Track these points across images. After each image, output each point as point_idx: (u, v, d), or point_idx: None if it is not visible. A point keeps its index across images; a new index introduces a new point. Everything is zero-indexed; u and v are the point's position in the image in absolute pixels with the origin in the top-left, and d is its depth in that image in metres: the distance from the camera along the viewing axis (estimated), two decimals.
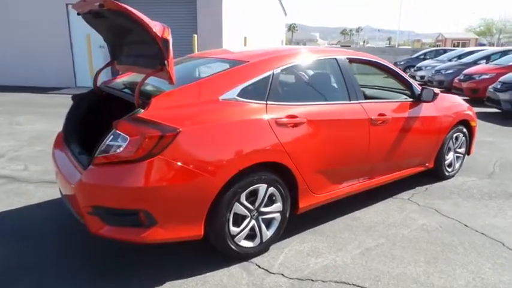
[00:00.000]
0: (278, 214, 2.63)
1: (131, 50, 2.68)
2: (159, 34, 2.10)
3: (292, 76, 2.78)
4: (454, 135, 4.01)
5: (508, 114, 7.74)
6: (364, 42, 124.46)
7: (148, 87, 2.66)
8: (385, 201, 3.54)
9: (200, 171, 2.18)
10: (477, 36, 47.68)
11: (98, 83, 3.10)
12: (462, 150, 4.24)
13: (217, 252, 2.50)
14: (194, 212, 2.24)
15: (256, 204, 2.50)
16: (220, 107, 2.34)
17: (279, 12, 26.45)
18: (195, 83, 2.39)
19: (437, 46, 35.93)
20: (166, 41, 2.12)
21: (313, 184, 2.76)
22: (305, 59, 2.86)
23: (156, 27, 2.12)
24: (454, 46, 33.75)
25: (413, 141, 3.49)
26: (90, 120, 3.07)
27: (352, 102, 3.02)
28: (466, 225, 3.09)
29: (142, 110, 2.18)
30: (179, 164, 2.12)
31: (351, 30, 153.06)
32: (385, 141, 3.25)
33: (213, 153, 2.23)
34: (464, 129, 4.14)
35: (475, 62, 11.52)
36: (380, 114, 3.13)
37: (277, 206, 2.61)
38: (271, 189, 2.53)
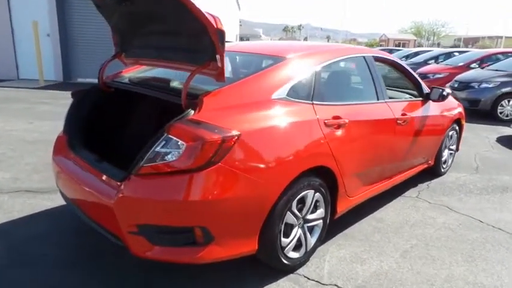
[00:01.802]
0: (321, 221, 2.49)
1: (158, 42, 2.32)
2: (214, 24, 1.83)
3: (329, 74, 2.63)
4: (450, 133, 4.17)
5: (467, 111, 8.32)
6: (305, 39, 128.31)
7: (175, 84, 2.35)
8: (397, 200, 3.56)
9: (259, 179, 1.95)
10: (415, 38, 51.73)
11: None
12: (454, 147, 4.43)
13: (257, 264, 2.28)
14: (251, 225, 2.01)
15: (304, 211, 2.33)
16: (274, 108, 2.12)
17: (234, 7, 26.11)
18: (245, 81, 2.13)
19: (381, 46, 38.35)
20: (221, 33, 1.85)
21: (349, 187, 2.65)
22: (339, 56, 2.72)
23: (209, 16, 1.84)
24: (396, 46, 36.28)
25: (423, 140, 3.55)
26: (96, 120, 2.66)
27: (380, 101, 2.96)
28: (481, 221, 3.20)
29: (193, 112, 1.89)
30: (239, 172, 1.88)
31: (292, 27, 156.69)
32: (405, 141, 3.25)
33: (271, 158, 2.01)
34: (457, 127, 4.32)
35: (425, 62, 12.31)
36: (402, 114, 3.12)
37: (320, 212, 2.46)
38: (317, 195, 2.37)
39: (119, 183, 1.91)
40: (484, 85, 7.80)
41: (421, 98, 3.61)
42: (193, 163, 1.78)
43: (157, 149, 1.82)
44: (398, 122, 3.04)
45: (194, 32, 1.94)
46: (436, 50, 14.15)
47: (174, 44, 2.18)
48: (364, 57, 2.94)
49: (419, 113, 3.42)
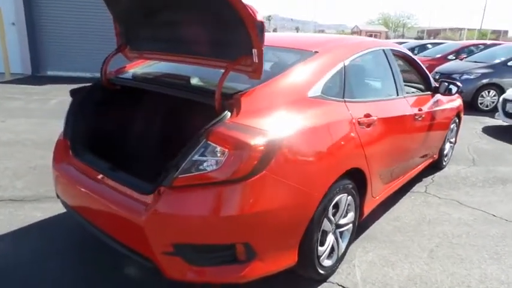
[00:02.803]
0: (351, 225, 2.35)
1: (177, 33, 2.05)
2: (254, 15, 1.61)
3: (356, 69, 2.48)
4: (451, 126, 4.16)
5: None
6: (274, 30, 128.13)
7: (196, 81, 2.12)
8: (406, 196, 3.50)
9: (302, 186, 1.78)
10: (387, 29, 53.00)
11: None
12: (453, 140, 4.44)
13: (289, 275, 2.13)
14: (293, 236, 1.84)
15: (337, 217, 2.19)
16: (312, 107, 1.94)
17: None
18: (279, 78, 1.93)
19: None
20: (261, 25, 1.63)
21: (375, 187, 2.53)
22: (363, 50, 2.56)
23: (248, 6, 1.63)
24: (369, 36, 36.93)
25: (433, 134, 3.50)
26: (99, 121, 2.37)
27: (399, 97, 2.85)
28: (494, 215, 3.19)
29: (230, 114, 1.68)
30: (283, 180, 1.70)
31: None
32: (419, 136, 3.18)
33: (313, 162, 1.84)
34: (457, 120, 4.32)
35: None
36: (419, 109, 3.04)
37: (351, 215, 2.32)
38: (349, 199, 2.23)
39: (146, 197, 1.68)
40: (465, 76, 7.97)
41: (429, 92, 3.54)
42: (237, 172, 1.57)
43: (195, 157, 1.60)
44: (416, 117, 2.96)
45: (227, 23, 1.71)
46: (412, 42, 14.42)
47: (198, 36, 1.93)
48: (383, 50, 2.81)
49: (430, 107, 3.35)
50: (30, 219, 2.76)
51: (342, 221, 2.25)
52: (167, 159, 2.54)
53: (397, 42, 15.13)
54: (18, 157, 3.96)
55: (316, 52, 2.21)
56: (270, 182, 1.65)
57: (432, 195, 3.57)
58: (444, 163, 4.26)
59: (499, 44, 10.46)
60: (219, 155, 1.58)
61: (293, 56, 2.19)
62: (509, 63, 7.96)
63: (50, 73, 9.44)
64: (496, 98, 7.88)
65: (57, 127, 5.12)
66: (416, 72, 3.51)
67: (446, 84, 3.51)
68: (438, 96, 3.59)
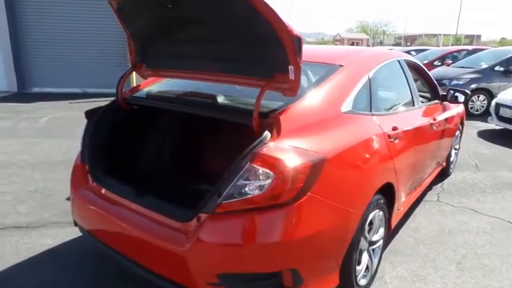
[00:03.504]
0: (381, 241, 2.30)
1: (201, 50, 1.97)
2: (291, 31, 1.56)
3: (378, 80, 2.45)
4: (456, 133, 4.19)
5: None
6: None
7: (222, 99, 2.04)
8: (421, 206, 3.48)
9: (345, 206, 1.72)
10: (368, 37, 54.31)
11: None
12: (457, 146, 4.47)
13: None
14: (336, 258, 1.77)
15: (371, 234, 2.13)
16: (347, 123, 1.89)
17: None
18: (311, 94, 1.87)
19: (335, 45, 39.77)
20: (299, 40, 1.58)
21: (400, 199, 2.49)
22: (383, 61, 2.53)
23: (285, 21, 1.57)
24: (351, 45, 37.69)
25: (443, 142, 3.51)
26: (116, 143, 2.26)
27: (416, 107, 2.84)
28: (510, 222, 3.20)
29: (270, 134, 1.60)
30: (327, 201, 1.63)
31: None
32: (434, 145, 3.18)
33: (354, 180, 1.79)
34: (460, 127, 4.36)
35: None
36: (433, 119, 3.04)
37: (382, 231, 2.27)
38: (381, 214, 2.18)
39: (184, 225, 1.58)
40: (454, 82, 8.12)
41: (437, 100, 3.56)
42: (283, 196, 1.49)
43: (239, 182, 1.51)
44: (432, 126, 2.95)
45: (261, 38, 1.65)
46: (399, 49, 14.70)
47: (229, 53, 1.85)
48: (398, 60, 2.81)
49: (441, 115, 3.36)
50: (38, 248, 2.60)
51: (374, 238, 2.19)
52: (193, 180, 2.47)
53: None
54: (16, 180, 3.77)
55: (341, 66, 2.17)
56: (315, 203, 1.58)
57: (445, 203, 3.56)
58: (451, 170, 4.28)
59: (482, 50, 10.76)
60: (263, 178, 1.51)
61: (319, 70, 2.14)
62: (495, 68, 8.17)
63: (36, 90, 9.16)
64: (486, 102, 8.05)
65: (50, 146, 5.00)
66: (424, 80, 3.53)
67: (454, 92, 3.53)
68: (445, 104, 3.61)
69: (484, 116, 7.68)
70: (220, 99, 2.01)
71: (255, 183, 1.51)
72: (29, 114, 6.71)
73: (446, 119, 3.49)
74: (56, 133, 5.56)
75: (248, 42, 1.74)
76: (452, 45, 45.19)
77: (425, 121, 2.85)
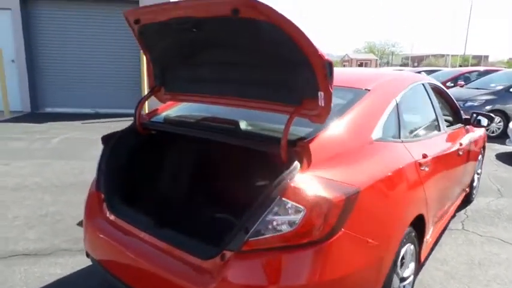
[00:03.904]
0: (412, 276, 2.15)
1: (225, 74, 1.91)
2: (322, 55, 1.48)
3: (405, 105, 2.35)
4: (479, 157, 4.05)
5: None
6: None
7: (244, 125, 1.95)
8: (446, 235, 3.30)
9: (378, 242, 1.60)
10: (376, 57, 54.79)
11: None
12: (479, 171, 4.31)
13: None
14: None
15: (402, 270, 1.98)
16: (378, 151, 1.79)
17: None
18: (340, 120, 1.78)
19: (344, 66, 39.81)
20: (330, 66, 1.50)
21: (429, 230, 2.35)
22: (408, 84, 2.45)
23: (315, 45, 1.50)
24: (359, 65, 37.82)
25: (468, 167, 3.38)
26: (134, 170, 2.18)
27: (442, 132, 2.73)
28: None
29: (299, 164, 1.50)
30: (361, 237, 1.51)
31: None
32: (460, 171, 3.05)
33: (389, 214, 1.68)
34: (482, 151, 4.22)
35: None
36: (460, 144, 2.91)
37: (412, 266, 2.12)
38: (412, 248, 2.04)
39: (207, 263, 1.46)
40: (469, 103, 8.00)
41: (460, 124, 3.44)
42: (316, 233, 1.38)
43: (268, 217, 1.40)
44: (459, 152, 2.83)
45: (289, 63, 1.57)
46: (408, 70, 14.68)
47: (251, 77, 1.78)
48: (423, 84, 2.71)
49: (466, 140, 3.24)
50: (48, 278, 2.49)
51: (405, 274, 2.05)
52: (212, 208, 2.37)
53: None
54: (27, 204, 3.70)
55: (368, 90, 2.08)
56: (349, 241, 1.46)
57: (471, 232, 3.39)
58: (473, 196, 4.11)
59: (494, 71, 10.66)
60: (294, 213, 1.40)
61: (346, 95, 2.05)
62: (511, 90, 8.04)
63: (49, 110, 9.24)
64: (502, 124, 7.89)
65: (61, 168, 4.95)
66: (447, 104, 3.42)
67: (476, 115, 3.42)
68: (468, 127, 3.49)
69: (500, 138, 7.51)
70: (243, 125, 1.93)
71: (285, 219, 1.40)
72: (41, 135, 6.72)
73: (470, 144, 3.36)
74: (68, 154, 5.52)
75: (275, 66, 1.67)
76: (460, 65, 45.19)
77: (452, 146, 2.73)
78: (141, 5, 8.54)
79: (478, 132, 3.82)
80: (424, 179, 2.06)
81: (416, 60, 69.92)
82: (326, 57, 1.48)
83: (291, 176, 1.44)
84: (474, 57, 65.42)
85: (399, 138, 2.04)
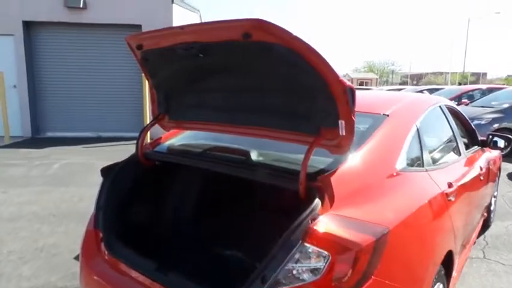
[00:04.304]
0: None
1: (234, 101, 1.78)
2: (343, 81, 1.35)
3: (425, 130, 2.21)
4: (496, 180, 3.88)
5: None
6: None
7: (255, 156, 1.81)
8: (467, 264, 3.09)
9: (408, 286, 1.42)
10: (377, 76, 55.23)
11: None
12: (496, 193, 4.13)
13: None
14: None
15: None
16: (404, 183, 1.63)
17: None
18: (362, 150, 1.63)
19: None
20: (352, 92, 1.36)
21: (456, 264, 2.16)
22: (427, 108, 2.31)
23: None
24: (360, 85, 38.09)
25: (487, 191, 3.21)
26: (136, 205, 2.02)
27: (463, 156, 2.57)
28: None
29: (320, 202, 1.34)
30: (393, 284, 1.33)
31: None
32: (481, 196, 2.88)
33: (420, 254, 1.51)
34: (499, 173, 4.05)
35: None
36: (480, 168, 2.76)
37: None
38: (441, 287, 1.85)
39: None
40: (476, 122, 7.85)
41: (476, 146, 3.29)
42: (343, 282, 1.21)
43: (289, 265, 1.23)
44: (480, 177, 2.67)
45: (306, 89, 1.45)
46: (409, 88, 14.67)
47: (265, 104, 1.65)
48: (440, 106, 2.58)
49: (485, 163, 3.08)
50: None
51: None
52: (222, 248, 2.20)
53: (395, 89, 15.40)
54: (23, 236, 3.51)
55: (387, 115, 1.94)
56: None
57: (494, 261, 3.18)
58: (491, 220, 3.92)
59: (498, 89, 10.60)
60: (317, 260, 1.23)
61: (364, 121, 1.90)
62: None
63: (50, 134, 9.13)
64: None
65: (61, 195, 4.77)
66: (463, 126, 3.28)
67: (492, 137, 3.28)
68: (485, 149, 3.34)
69: (509, 156, 7.33)
70: (254, 155, 1.78)
71: (308, 267, 1.23)
72: (41, 161, 6.58)
73: (488, 167, 3.20)
74: (68, 180, 5.37)
75: (290, 92, 1.54)
76: (459, 83, 45.43)
77: (473, 172, 2.57)
78: (143, 29, 8.57)
79: (494, 153, 3.67)
80: (452, 210, 1.89)
81: (416, 78, 70.36)
82: (347, 83, 1.35)
83: (312, 216, 1.28)
84: (472, 74, 65.85)
85: (423, 166, 1.89)
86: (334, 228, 1.26)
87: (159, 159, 2.03)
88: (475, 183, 2.58)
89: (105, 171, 2.00)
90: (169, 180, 2.27)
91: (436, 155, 2.23)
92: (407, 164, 1.75)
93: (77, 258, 3.00)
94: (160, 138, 2.25)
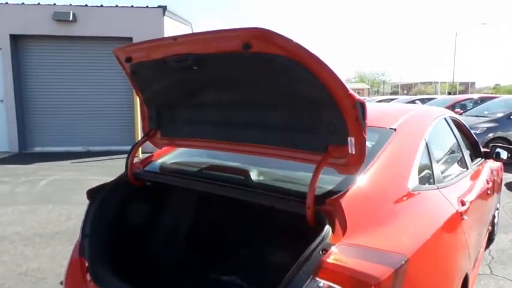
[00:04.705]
0: None
1: (233, 116, 1.64)
2: (352, 94, 1.23)
3: (433, 143, 2.10)
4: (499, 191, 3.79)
5: None
6: None
7: (255, 175, 1.67)
8: (476, 282, 2.97)
9: None
10: (368, 86, 55.92)
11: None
12: (498, 205, 4.03)
13: None
14: None
15: None
16: (417, 203, 1.51)
17: None
18: (371, 168, 1.50)
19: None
20: (362, 106, 1.24)
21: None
22: (433, 120, 2.20)
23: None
24: None
25: (492, 205, 3.10)
26: (122, 227, 1.86)
27: (470, 170, 2.46)
28: None
29: (331, 230, 1.21)
30: None
31: None
32: (488, 209, 2.78)
33: (438, 281, 1.36)
34: (500, 183, 3.96)
35: None
36: (487, 181, 2.65)
37: None
38: None
39: None
40: (471, 131, 7.84)
41: (480, 158, 3.19)
42: None
43: None
44: (487, 191, 2.56)
45: (312, 103, 1.32)
46: (401, 98, 14.72)
47: (266, 119, 1.52)
48: (445, 118, 2.48)
49: (490, 175, 2.98)
50: None
51: None
52: (219, 273, 2.04)
53: (387, 100, 15.44)
54: (5, 259, 3.30)
55: (394, 129, 1.82)
56: None
57: (502, 277, 3.05)
58: (495, 233, 3.81)
59: (490, 98, 10.67)
60: None
61: (370, 136, 1.77)
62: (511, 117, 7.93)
63: (38, 149, 8.89)
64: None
65: (47, 214, 4.55)
66: (466, 137, 3.19)
67: (496, 148, 3.19)
68: (487, 160, 3.25)
69: (505, 165, 7.30)
70: (254, 174, 1.64)
71: None
72: (27, 177, 6.35)
73: (494, 179, 3.11)
74: (55, 198, 5.15)
75: (294, 107, 1.42)
76: (449, 92, 46.06)
77: (481, 186, 2.47)
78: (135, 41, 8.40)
79: (496, 164, 3.58)
80: (465, 229, 1.77)
81: (406, 88, 71.19)
82: (357, 96, 1.23)
83: (323, 247, 1.14)
84: (461, 83, 66.88)
85: (434, 183, 1.77)
86: (348, 260, 1.12)
87: (151, 180, 1.88)
88: (483, 198, 2.47)
89: (92, 194, 1.84)
90: (162, 201, 2.12)
91: (445, 170, 2.11)
92: (419, 182, 1.62)
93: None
94: (152, 155, 2.10)
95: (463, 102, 11.48)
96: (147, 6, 9.00)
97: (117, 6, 8.92)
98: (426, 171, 1.77)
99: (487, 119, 8.07)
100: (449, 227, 1.58)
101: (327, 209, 1.26)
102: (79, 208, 4.53)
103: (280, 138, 1.49)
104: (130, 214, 1.91)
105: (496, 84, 68.71)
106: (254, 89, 1.45)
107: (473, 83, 72.05)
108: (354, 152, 1.29)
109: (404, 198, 1.46)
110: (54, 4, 8.61)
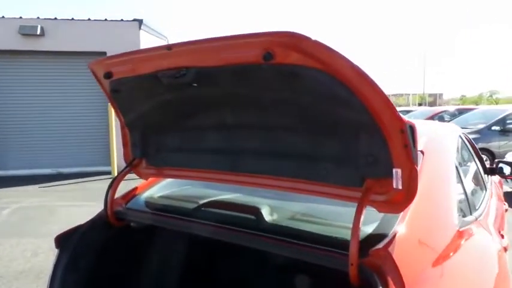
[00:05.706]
0: None
1: (241, 141, 1.34)
2: (401, 119, 0.97)
3: (461, 167, 1.86)
4: None
5: None
6: None
7: (266, 211, 1.37)
8: None
9: None
10: None
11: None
12: None
13: None
14: None
15: None
16: (469, 246, 1.25)
17: None
18: (414, 204, 1.23)
19: None
20: (412, 130, 0.98)
21: None
22: (454, 139, 1.97)
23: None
24: None
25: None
26: (98, 279, 1.50)
27: (488, 191, 2.26)
28: None
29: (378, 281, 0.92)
30: None
31: None
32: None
33: None
34: None
35: None
36: (502, 202, 2.46)
37: None
38: None
39: None
40: None
41: (486, 175, 3.03)
42: None
43: None
44: (506, 211, 2.37)
45: (346, 127, 1.05)
46: None
47: (285, 146, 1.23)
48: (460, 136, 2.27)
49: (500, 192, 2.81)
50: None
51: None
52: None
53: None
54: None
55: (421, 151, 1.57)
56: None
57: None
58: None
59: (468, 110, 10.88)
60: None
61: None
62: (492, 128, 8.03)
63: (12, 172, 8.17)
64: (489, 162, 7.75)
65: (11, 250, 4.02)
66: (474, 154, 3.03)
67: (500, 164, 3.04)
68: (493, 177, 3.10)
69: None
70: (266, 212, 1.34)
71: None
72: (2, 199, 5.75)
73: (500, 194, 2.95)
74: (20, 229, 4.62)
75: (322, 131, 1.13)
76: (419, 103, 47.51)
77: (501, 207, 2.27)
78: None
79: (497, 177, 3.45)
80: (508, 264, 1.52)
81: None
82: (405, 119, 0.97)
83: None
84: (430, 95, 69.36)
85: (471, 214, 1.52)
86: None
87: (135, 220, 1.54)
88: (503, 219, 2.27)
89: (61, 241, 1.48)
90: (148, 244, 1.77)
91: (474, 196, 1.88)
92: (460, 215, 1.37)
93: None
94: (136, 189, 1.76)
95: (441, 114, 11.65)
96: (122, 20, 8.63)
97: (89, 19, 8.50)
98: (463, 201, 1.53)
99: (468, 130, 8.12)
100: (503, 269, 1.33)
101: (374, 264, 0.97)
102: (47, 241, 4.04)
103: (302, 168, 1.20)
104: (110, 264, 1.56)
105: (462, 95, 71.71)
106: (271, 109, 1.16)
107: (441, 94, 74.90)
108: (400, 187, 1.02)
109: (456, 240, 1.20)
110: (20, 17, 8.12)
